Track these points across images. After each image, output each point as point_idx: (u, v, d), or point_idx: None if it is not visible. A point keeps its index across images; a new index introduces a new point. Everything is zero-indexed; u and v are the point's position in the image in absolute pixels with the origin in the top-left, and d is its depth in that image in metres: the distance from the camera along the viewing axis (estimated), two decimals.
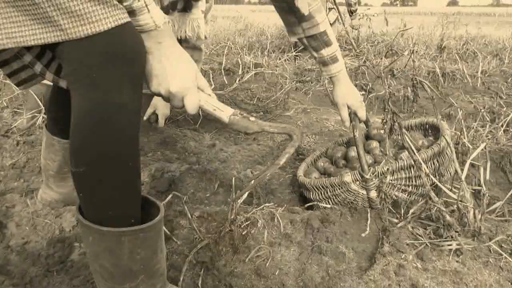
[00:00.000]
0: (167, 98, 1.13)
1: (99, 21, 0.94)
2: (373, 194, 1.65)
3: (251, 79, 3.91)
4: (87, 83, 0.98)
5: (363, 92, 3.84)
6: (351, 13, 5.71)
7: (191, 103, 1.12)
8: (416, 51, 5.35)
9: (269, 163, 1.30)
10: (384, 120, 1.66)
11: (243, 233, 1.51)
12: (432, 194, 1.53)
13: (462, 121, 2.17)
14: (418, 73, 4.22)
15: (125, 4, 0.99)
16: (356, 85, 3.93)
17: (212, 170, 2.11)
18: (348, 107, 1.80)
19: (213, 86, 3.39)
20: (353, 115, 1.80)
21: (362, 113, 1.81)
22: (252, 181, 1.39)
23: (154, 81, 1.10)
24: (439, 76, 4.10)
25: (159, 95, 1.13)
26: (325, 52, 1.74)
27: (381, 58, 4.62)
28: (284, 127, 1.23)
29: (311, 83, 4.07)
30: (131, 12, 1.00)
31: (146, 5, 1.01)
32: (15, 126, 2.53)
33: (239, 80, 3.76)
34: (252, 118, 1.18)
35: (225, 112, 1.17)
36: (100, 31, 0.94)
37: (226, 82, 3.74)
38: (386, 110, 1.63)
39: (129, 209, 1.09)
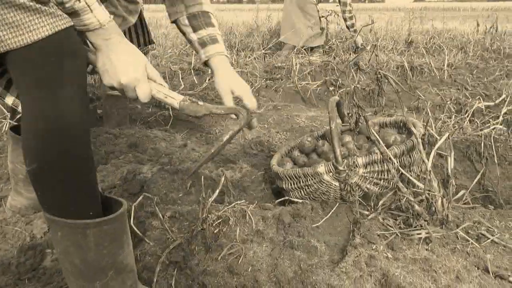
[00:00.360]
0: (121, 90, 1.22)
1: (37, 29, 1.00)
2: (352, 181, 1.66)
3: None
4: (32, 84, 1.03)
5: (333, 88, 3.88)
6: (348, 28, 5.71)
7: (142, 92, 1.22)
8: (384, 46, 5.43)
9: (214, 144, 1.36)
10: (350, 114, 1.69)
11: (215, 232, 1.51)
12: (400, 184, 1.56)
13: (430, 113, 2.22)
14: (387, 67, 4.28)
15: (67, 6, 1.05)
16: (325, 81, 3.99)
17: (184, 170, 2.10)
18: (233, 93, 1.59)
19: (182, 86, 3.37)
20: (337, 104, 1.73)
21: (250, 100, 1.57)
22: (195, 166, 1.47)
23: (106, 75, 1.20)
24: (408, 70, 4.17)
25: (113, 88, 1.22)
26: (205, 31, 1.63)
27: (350, 54, 4.68)
28: (230, 108, 1.34)
29: (281, 80, 4.09)
30: (75, 13, 1.08)
31: (88, 6, 1.09)
32: None
33: (209, 79, 3.75)
34: (201, 103, 1.29)
35: (175, 99, 1.27)
36: (38, 39, 1.00)
37: (196, 82, 3.73)
38: (352, 103, 1.65)
39: (87, 203, 1.12)
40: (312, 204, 1.69)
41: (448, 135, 1.56)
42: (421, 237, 1.49)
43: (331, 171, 1.68)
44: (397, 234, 1.52)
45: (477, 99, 3.17)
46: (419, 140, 1.66)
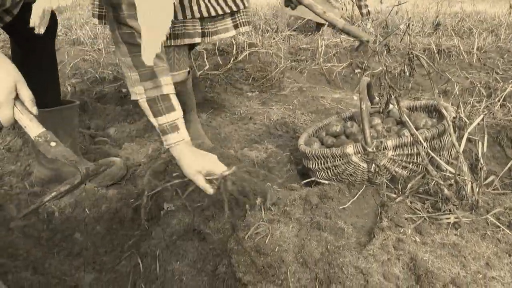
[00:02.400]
0: None
1: None
2: (381, 163, 1.64)
3: (246, 59, 3.88)
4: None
5: (359, 70, 3.83)
6: (362, 16, 5.58)
7: (2, 117, 1.17)
8: (411, 27, 5.31)
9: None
10: (381, 94, 1.65)
11: (242, 211, 1.51)
12: (430, 167, 1.53)
13: (459, 96, 2.17)
14: (414, 49, 4.18)
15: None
16: (351, 63, 3.93)
17: (210, 149, 2.10)
18: (202, 172, 1.51)
19: (207, 66, 3.36)
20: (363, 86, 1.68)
21: (220, 169, 1.51)
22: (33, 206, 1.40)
23: None
24: (435, 53, 4.07)
25: None
26: (165, 118, 1.52)
27: (376, 36, 4.59)
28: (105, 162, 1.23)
29: (306, 61, 4.04)
30: None
31: None
32: None
33: (234, 60, 3.73)
34: (53, 144, 1.21)
35: (32, 132, 1.21)
36: None
37: (221, 62, 3.71)
38: (382, 84, 1.61)
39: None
40: (339, 186, 1.67)
41: (482, 118, 1.52)
42: (450, 222, 1.46)
43: (359, 152, 1.66)
44: (425, 218, 1.49)
45: (509, 83, 3.07)
46: (450, 123, 1.63)
